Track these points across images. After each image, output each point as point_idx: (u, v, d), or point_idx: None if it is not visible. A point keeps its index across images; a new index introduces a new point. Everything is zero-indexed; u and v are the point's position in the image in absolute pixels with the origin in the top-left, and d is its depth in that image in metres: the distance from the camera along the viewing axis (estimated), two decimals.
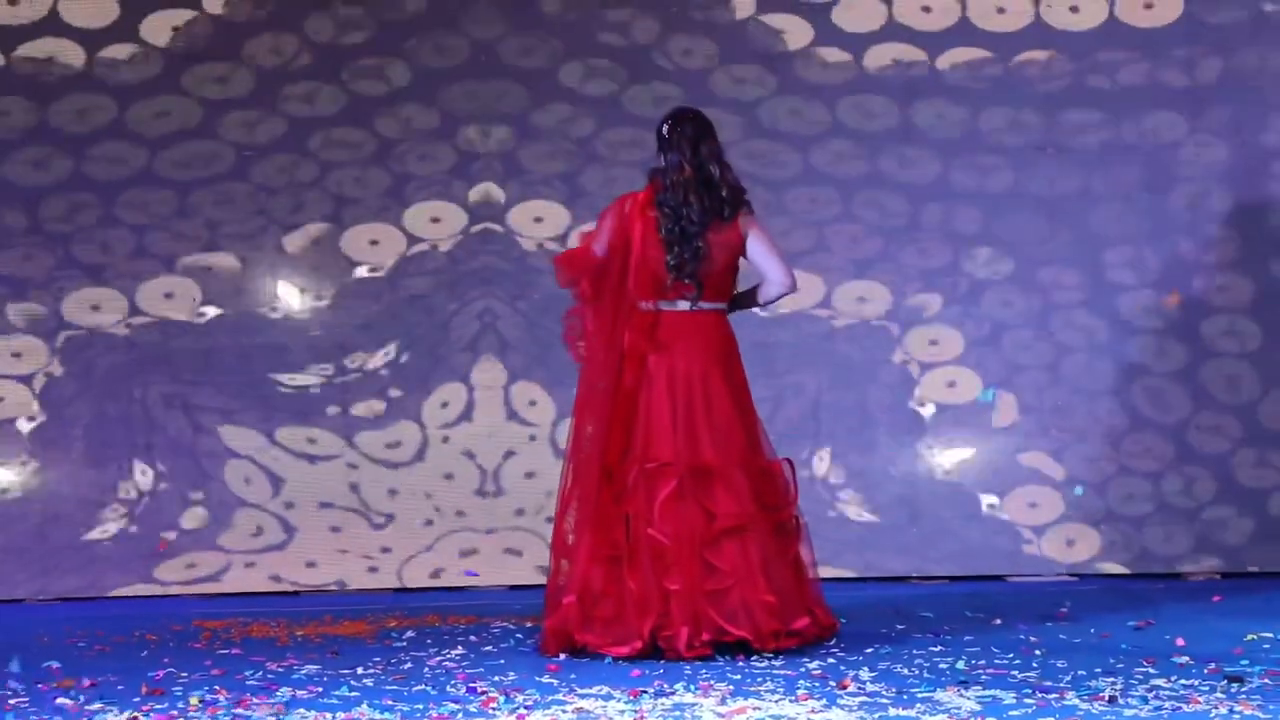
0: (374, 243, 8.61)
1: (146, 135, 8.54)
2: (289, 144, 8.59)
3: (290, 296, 8.54)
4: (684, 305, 6.71)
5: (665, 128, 6.75)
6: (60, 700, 6.00)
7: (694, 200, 6.66)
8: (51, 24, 8.52)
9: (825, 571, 7.88)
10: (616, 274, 6.66)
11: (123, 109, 8.53)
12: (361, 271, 8.60)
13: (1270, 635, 6.84)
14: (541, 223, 8.60)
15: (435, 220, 8.60)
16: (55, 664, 6.61)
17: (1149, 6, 8.66)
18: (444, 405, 8.58)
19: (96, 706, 5.90)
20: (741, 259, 6.77)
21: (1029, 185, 8.68)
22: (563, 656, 6.60)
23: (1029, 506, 8.60)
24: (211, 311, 8.54)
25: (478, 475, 8.57)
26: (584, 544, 6.61)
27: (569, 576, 6.63)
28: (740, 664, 6.45)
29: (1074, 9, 8.65)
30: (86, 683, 6.24)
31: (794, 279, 6.81)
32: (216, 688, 6.14)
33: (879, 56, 8.67)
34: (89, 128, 8.53)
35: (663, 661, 6.48)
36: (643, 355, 6.66)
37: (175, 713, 5.80)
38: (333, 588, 8.44)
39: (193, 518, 8.44)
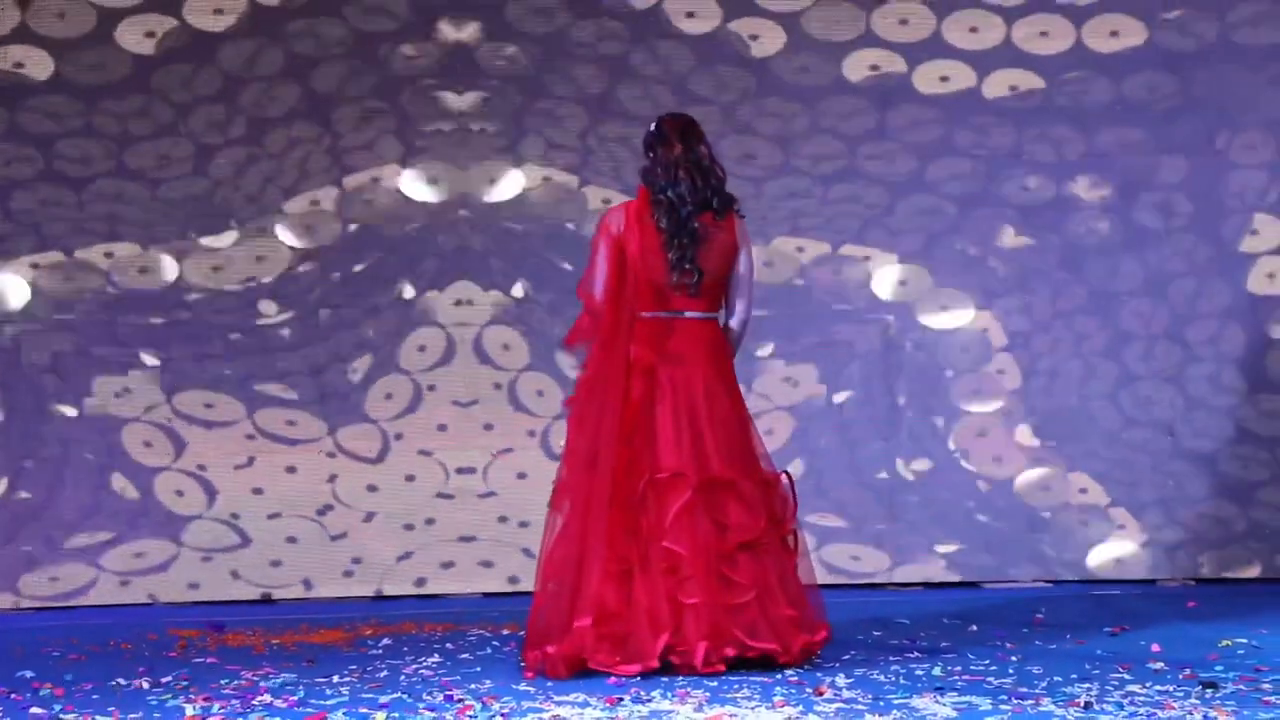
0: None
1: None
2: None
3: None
4: (686, 313, 6.63)
5: (653, 126, 6.71)
6: (34, 710, 5.98)
7: (684, 178, 6.58)
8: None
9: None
10: (615, 290, 6.56)
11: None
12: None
13: (1245, 641, 6.86)
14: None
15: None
16: (29, 673, 6.59)
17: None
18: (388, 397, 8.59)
19: (70, 716, 5.89)
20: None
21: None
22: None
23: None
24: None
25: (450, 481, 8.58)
26: (594, 563, 6.42)
27: (580, 597, 6.41)
28: (718, 671, 6.43)
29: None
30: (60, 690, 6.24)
31: (749, 320, 6.72)
32: (193, 696, 6.13)
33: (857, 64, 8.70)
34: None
35: (666, 678, 6.34)
36: (651, 367, 6.56)
37: None
38: (306, 594, 8.44)
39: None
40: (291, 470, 8.51)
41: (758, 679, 6.29)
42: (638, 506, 6.48)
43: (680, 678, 6.32)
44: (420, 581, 8.49)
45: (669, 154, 6.62)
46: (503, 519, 8.52)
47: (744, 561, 6.48)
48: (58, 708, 6.01)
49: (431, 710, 5.89)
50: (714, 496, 6.51)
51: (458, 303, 8.56)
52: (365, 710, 5.90)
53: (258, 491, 8.48)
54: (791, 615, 6.49)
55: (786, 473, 6.71)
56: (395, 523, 8.52)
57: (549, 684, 6.27)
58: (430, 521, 8.52)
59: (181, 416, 8.45)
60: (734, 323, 6.71)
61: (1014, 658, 6.65)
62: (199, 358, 8.45)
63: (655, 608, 6.41)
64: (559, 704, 5.94)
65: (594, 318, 6.62)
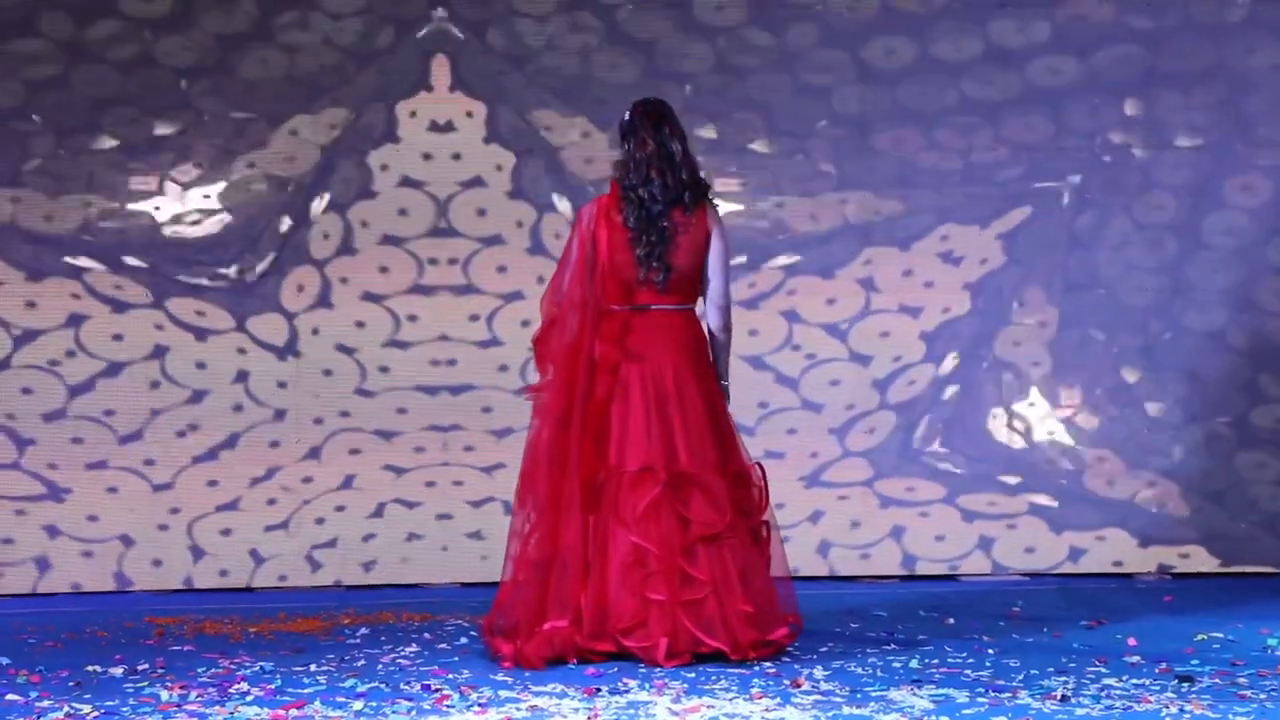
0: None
1: None
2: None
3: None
4: (654, 307, 6.60)
5: (627, 114, 6.68)
6: (10, 696, 5.97)
7: (655, 177, 6.55)
8: None
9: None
10: (584, 286, 6.54)
11: None
12: None
13: (1220, 635, 6.88)
14: None
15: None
16: (4, 660, 6.58)
17: None
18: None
19: (46, 703, 5.88)
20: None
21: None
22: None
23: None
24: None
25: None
26: (573, 568, 6.42)
27: (557, 598, 6.42)
28: (695, 663, 6.44)
29: None
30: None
31: (729, 306, 6.67)
32: (169, 684, 6.12)
33: None
34: None
35: (644, 669, 6.36)
36: (615, 365, 6.55)
37: (127, 709, 5.79)
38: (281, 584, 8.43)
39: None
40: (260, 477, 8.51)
41: (735, 671, 6.30)
42: (600, 501, 6.48)
43: (658, 670, 6.32)
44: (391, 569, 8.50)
45: (642, 151, 6.59)
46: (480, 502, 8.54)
47: (703, 556, 6.47)
48: (34, 694, 6.00)
49: (409, 700, 5.89)
50: (680, 491, 6.51)
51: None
52: (342, 699, 5.89)
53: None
54: (747, 612, 6.47)
55: (759, 464, 6.71)
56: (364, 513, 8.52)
57: (526, 674, 6.27)
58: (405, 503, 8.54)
59: None
60: (712, 308, 6.68)
61: (991, 650, 6.66)
62: None
63: (618, 600, 6.40)
64: (536, 694, 5.94)
65: (552, 327, 6.59)
